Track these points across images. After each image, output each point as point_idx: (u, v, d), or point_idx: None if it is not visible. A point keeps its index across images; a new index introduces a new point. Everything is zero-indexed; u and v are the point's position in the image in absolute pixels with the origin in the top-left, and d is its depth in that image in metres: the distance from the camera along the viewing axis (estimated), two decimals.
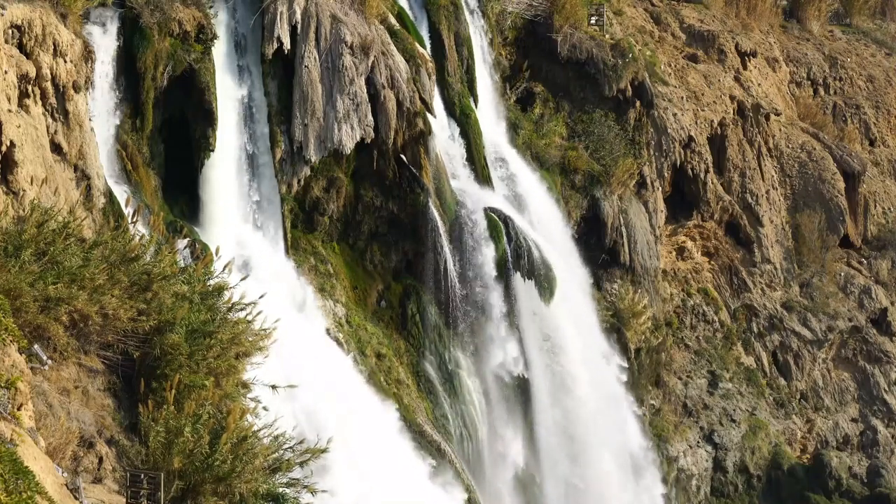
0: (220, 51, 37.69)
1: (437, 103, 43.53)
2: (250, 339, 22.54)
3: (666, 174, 54.08)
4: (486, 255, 42.42)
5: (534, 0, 51.43)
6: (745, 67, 61.90)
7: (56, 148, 30.35)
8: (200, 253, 32.52)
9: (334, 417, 33.38)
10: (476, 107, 46.02)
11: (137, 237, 23.02)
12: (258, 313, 23.01)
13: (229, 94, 37.76)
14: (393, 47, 41.17)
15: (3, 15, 28.37)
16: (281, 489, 20.51)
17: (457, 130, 44.88)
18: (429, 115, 41.65)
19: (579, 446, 45.19)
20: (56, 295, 19.75)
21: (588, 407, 45.25)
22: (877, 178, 65.60)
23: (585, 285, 48.12)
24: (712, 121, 56.60)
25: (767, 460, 54.00)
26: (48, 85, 30.11)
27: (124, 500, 18.39)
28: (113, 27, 34.84)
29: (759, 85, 62.01)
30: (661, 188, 53.41)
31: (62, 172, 30.21)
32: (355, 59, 39.52)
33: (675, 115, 54.30)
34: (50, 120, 30.29)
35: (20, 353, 17.88)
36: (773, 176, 59.64)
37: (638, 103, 51.71)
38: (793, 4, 70.28)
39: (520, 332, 43.41)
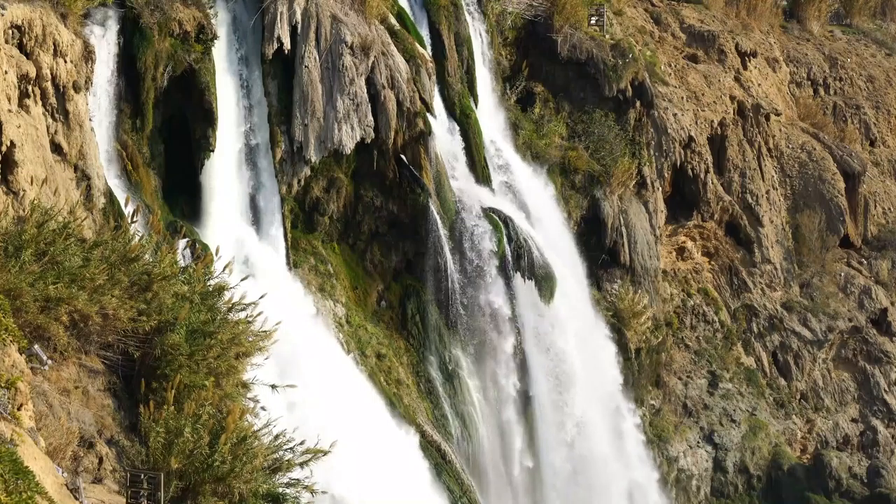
0: (220, 51, 37.69)
1: (437, 103, 43.52)
2: (250, 339, 22.54)
3: (666, 174, 54.05)
4: (487, 256, 42.38)
5: (534, 0, 51.42)
6: (745, 67, 61.87)
7: (56, 148, 30.34)
8: (200, 253, 32.53)
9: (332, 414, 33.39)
10: (476, 107, 45.99)
11: (137, 237, 22.99)
12: (258, 314, 23.03)
13: (229, 94, 37.76)
14: (393, 47, 41.16)
15: (3, 15, 28.36)
16: (281, 489, 20.52)
17: (457, 130, 44.85)
18: (429, 115, 41.65)
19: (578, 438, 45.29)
20: (56, 295, 19.75)
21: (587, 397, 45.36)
22: (877, 178, 65.58)
23: (585, 285, 48.09)
24: (712, 121, 56.57)
25: (767, 460, 53.97)
26: (48, 85, 30.09)
27: (124, 500, 18.39)
28: (113, 27, 34.83)
29: (759, 85, 61.98)
30: (661, 188, 53.39)
31: (62, 172, 30.20)
32: (355, 59, 39.52)
33: (675, 115, 54.28)
34: (50, 120, 30.28)
35: (20, 353, 17.88)
36: (773, 176, 59.63)
37: (638, 103, 51.68)
38: (793, 4, 70.24)
39: (520, 332, 43.38)
